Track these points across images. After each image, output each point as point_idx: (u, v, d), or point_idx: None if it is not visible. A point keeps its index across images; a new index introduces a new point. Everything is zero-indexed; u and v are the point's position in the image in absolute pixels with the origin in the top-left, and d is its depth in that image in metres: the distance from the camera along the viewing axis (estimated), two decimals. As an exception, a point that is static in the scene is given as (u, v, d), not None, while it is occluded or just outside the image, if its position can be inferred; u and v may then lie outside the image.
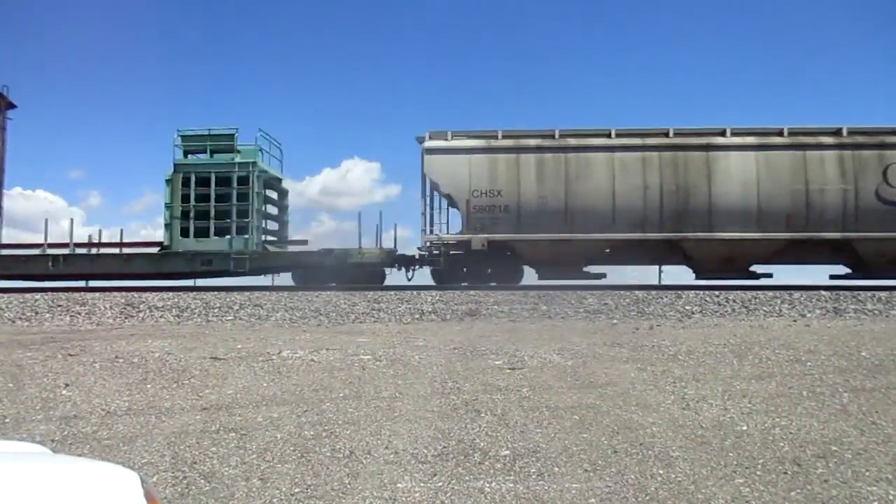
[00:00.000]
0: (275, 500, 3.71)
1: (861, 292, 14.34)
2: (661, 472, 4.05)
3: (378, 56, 68.79)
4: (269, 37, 68.60)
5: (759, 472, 4.02)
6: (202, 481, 3.96)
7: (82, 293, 14.53)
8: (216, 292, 14.49)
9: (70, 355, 7.56)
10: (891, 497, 3.65)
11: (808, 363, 7.07)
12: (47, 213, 49.96)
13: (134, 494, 1.75)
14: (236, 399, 5.72)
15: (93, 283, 18.05)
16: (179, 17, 67.14)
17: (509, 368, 6.87)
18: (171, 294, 13.89)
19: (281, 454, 4.40)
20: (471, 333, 9.60)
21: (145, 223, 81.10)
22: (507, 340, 8.75)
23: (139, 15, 64.72)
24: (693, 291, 14.63)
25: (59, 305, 12.89)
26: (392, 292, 14.53)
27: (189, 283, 18.88)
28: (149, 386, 6.19)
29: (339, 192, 71.29)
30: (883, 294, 14.04)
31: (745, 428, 4.85)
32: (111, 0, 63.73)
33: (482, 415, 5.22)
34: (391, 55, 68.05)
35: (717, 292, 14.51)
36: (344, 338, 9.11)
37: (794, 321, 11.15)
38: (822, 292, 14.52)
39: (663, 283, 19.16)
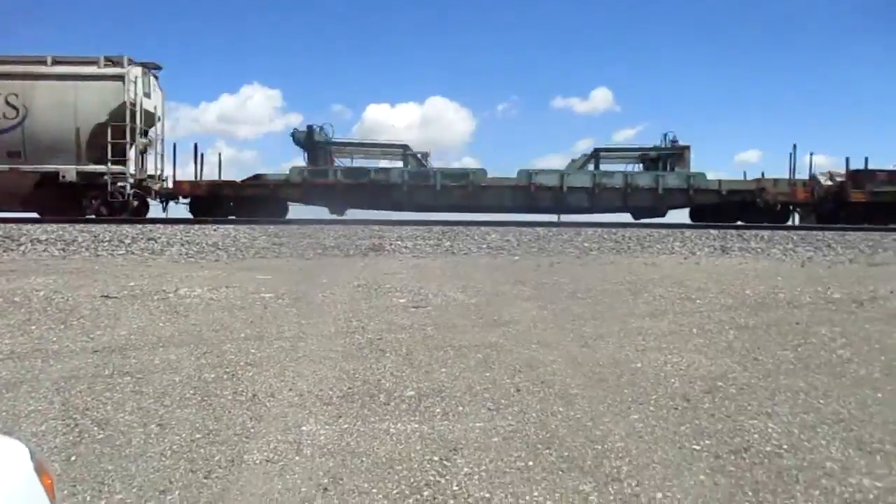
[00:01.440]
0: (174, 446, 3.61)
1: (745, 231, 15.21)
2: (561, 409, 4.19)
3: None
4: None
5: (651, 408, 4.23)
6: (95, 429, 3.80)
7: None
8: (106, 224, 13.79)
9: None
10: (769, 429, 3.92)
11: (698, 301, 7.45)
12: None
13: (22, 469, 1.58)
14: (130, 341, 5.49)
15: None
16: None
17: (413, 307, 6.89)
18: (55, 226, 13.10)
19: (180, 398, 4.27)
20: (375, 270, 9.56)
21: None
22: (410, 277, 8.78)
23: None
24: (591, 229, 15.08)
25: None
26: (294, 226, 14.25)
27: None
28: (33, 327, 5.85)
29: (237, 120, 68.63)
30: (765, 233, 14.92)
31: (639, 365, 5.08)
32: None
33: (387, 354, 5.23)
34: (292, -24, 65.08)
35: (613, 229, 15.02)
36: (244, 275, 8.87)
37: (685, 259, 11.69)
38: (711, 231, 15.28)
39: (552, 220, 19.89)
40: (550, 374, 4.83)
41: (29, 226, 13.27)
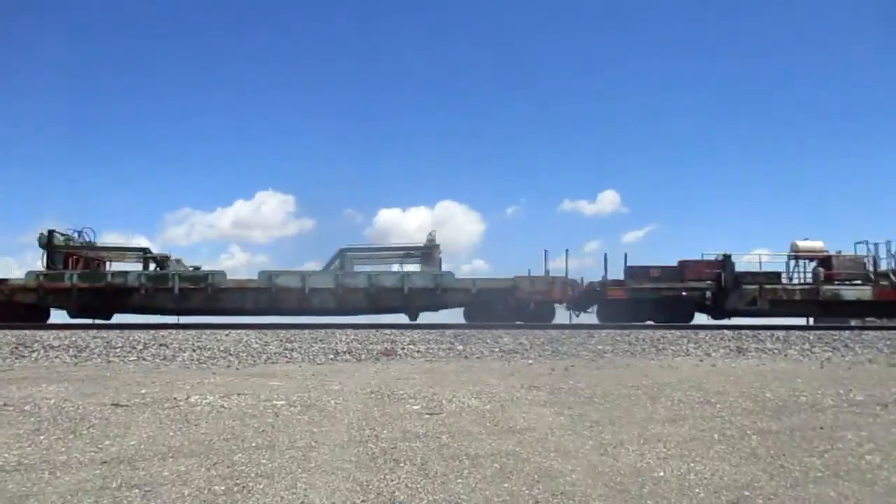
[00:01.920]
0: (182, 564, 3.48)
1: (761, 332, 15.07)
2: (582, 522, 4.04)
3: (298, 89, 68.41)
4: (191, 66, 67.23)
5: (677, 521, 4.07)
6: (101, 546, 3.68)
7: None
8: (118, 330, 13.82)
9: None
10: (802, 543, 3.75)
11: (718, 405, 7.30)
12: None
13: None
14: (140, 451, 5.39)
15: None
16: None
17: (428, 413, 6.77)
18: (68, 332, 13.15)
19: (189, 512, 4.15)
20: (387, 375, 9.46)
21: None
22: (424, 383, 8.67)
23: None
24: (605, 331, 14.98)
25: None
26: (306, 331, 14.22)
27: (87, 320, 18.09)
28: (42, 437, 5.76)
29: (251, 225, 69.86)
30: (781, 333, 14.77)
31: (661, 474, 4.92)
32: None
33: (401, 464, 5.10)
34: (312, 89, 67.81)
35: (627, 331, 14.91)
36: (256, 381, 8.80)
37: (701, 360, 11.54)
38: (725, 331, 15.15)
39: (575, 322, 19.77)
40: (570, 485, 4.68)
41: (42, 332, 13.32)
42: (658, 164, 71.33)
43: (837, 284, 20.67)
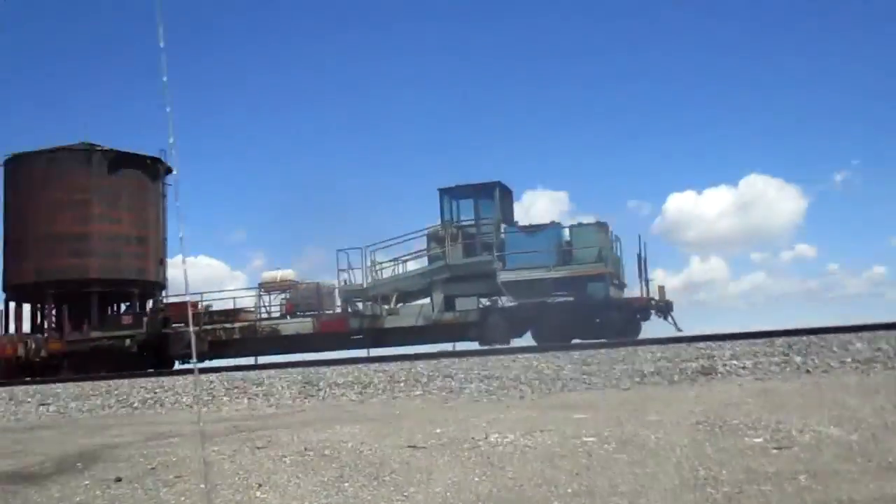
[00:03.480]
0: None
1: None
2: None
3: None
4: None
5: None
6: None
7: (257, 371, 15.57)
8: (400, 362, 14.94)
9: (258, 448, 8.01)
10: None
11: None
12: (209, 280, 54.42)
13: None
14: (447, 499, 5.73)
15: (264, 360, 19.54)
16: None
17: (775, 448, 6.39)
18: (350, 367, 14.50)
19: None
20: (712, 400, 9.12)
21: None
22: (761, 408, 8.21)
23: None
24: None
25: (236, 387, 13.86)
26: (603, 350, 14.25)
27: (363, 352, 19.92)
28: (346, 484, 6.37)
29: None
30: None
31: None
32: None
33: (753, 514, 4.85)
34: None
35: None
36: (557, 414, 8.96)
37: None
38: None
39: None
40: None
41: (325, 369, 14.83)
42: None
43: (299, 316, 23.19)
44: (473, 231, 22.38)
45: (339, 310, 23.56)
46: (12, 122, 73.27)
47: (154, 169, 35.73)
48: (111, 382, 16.44)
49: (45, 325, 31.52)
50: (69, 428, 11.18)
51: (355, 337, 22.55)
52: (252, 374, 15.21)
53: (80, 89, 76.66)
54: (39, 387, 16.57)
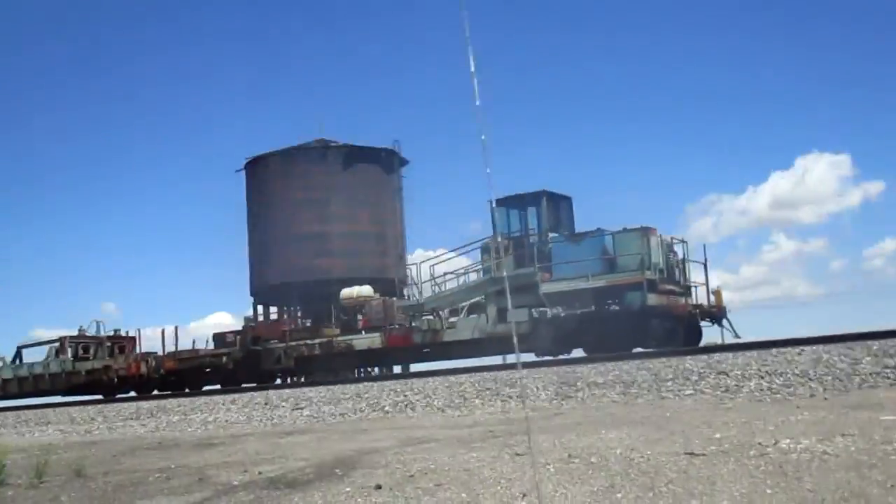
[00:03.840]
0: None
1: None
2: None
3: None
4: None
5: None
6: None
7: (508, 371, 15.93)
8: (666, 358, 14.70)
9: (517, 454, 8.17)
10: None
11: None
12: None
13: None
14: (739, 514, 5.57)
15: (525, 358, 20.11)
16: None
17: None
18: (610, 365, 14.46)
19: None
20: None
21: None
22: None
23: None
24: None
25: (488, 389, 14.28)
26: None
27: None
28: (619, 495, 6.28)
29: (795, 202, 68.07)
30: None
31: None
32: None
33: None
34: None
35: None
36: (858, 415, 8.26)
37: None
38: None
39: None
40: None
41: (582, 367, 14.90)
42: None
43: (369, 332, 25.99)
44: (525, 242, 23.59)
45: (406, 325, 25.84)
46: (253, 125, 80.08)
47: (389, 161, 37.35)
48: (360, 386, 17.44)
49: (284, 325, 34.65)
50: (325, 433, 11.99)
51: (425, 350, 25.14)
52: (503, 374, 15.52)
53: (314, 86, 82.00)
54: (292, 391, 17.99)
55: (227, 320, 28.93)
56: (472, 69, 4.97)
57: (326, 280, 33.58)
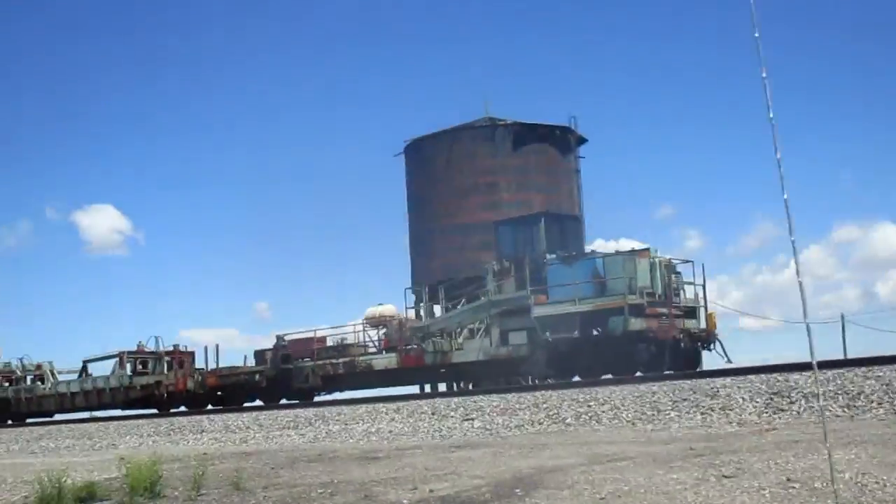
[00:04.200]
0: None
1: None
2: None
3: None
4: None
5: None
6: None
7: (710, 379, 15.41)
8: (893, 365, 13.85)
9: (725, 476, 7.79)
10: None
11: None
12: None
13: None
14: None
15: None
16: None
17: None
18: (830, 373, 13.71)
19: None
20: None
21: (762, 264, 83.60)
22: None
23: None
24: None
25: (685, 399, 13.82)
26: None
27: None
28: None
29: None
30: None
31: None
32: None
33: None
34: None
35: None
36: None
37: None
38: None
39: None
40: None
41: (796, 375, 14.16)
42: None
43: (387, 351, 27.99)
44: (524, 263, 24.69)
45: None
46: (412, 104, 79.84)
47: (564, 140, 35.25)
48: (538, 394, 17.09)
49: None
50: (499, 447, 11.77)
51: (441, 371, 27.11)
52: (702, 382, 14.76)
53: (478, 58, 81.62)
54: (461, 400, 17.85)
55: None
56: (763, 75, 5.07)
57: (496, 275, 33.35)
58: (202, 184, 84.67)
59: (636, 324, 21.99)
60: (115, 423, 24.67)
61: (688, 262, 25.08)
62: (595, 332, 23.31)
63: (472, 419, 15.24)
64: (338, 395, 27.56)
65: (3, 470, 14.22)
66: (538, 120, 35.93)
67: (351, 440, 15.19)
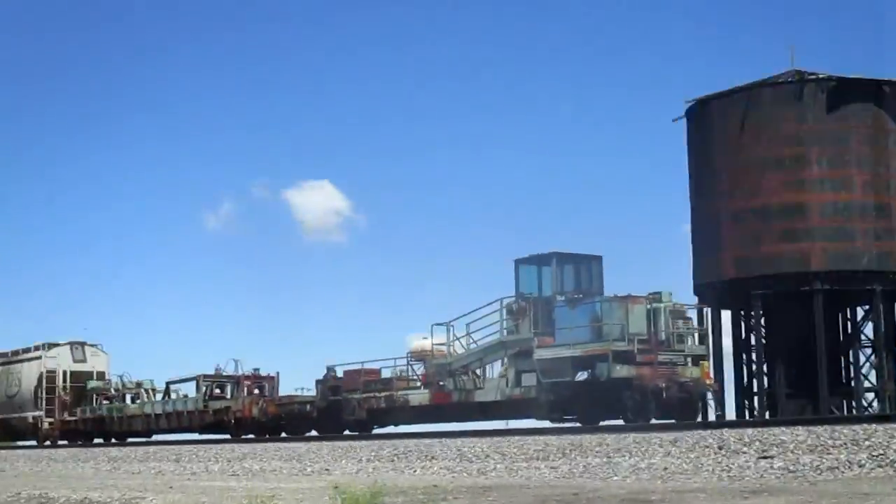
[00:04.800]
0: None
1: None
2: None
3: None
4: None
5: None
6: None
7: None
8: None
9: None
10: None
11: None
12: None
13: None
14: None
15: None
16: None
17: None
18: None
19: None
20: None
21: None
22: None
23: None
24: None
25: None
26: None
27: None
28: None
29: None
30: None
31: None
32: None
33: None
34: None
35: None
36: None
37: None
38: None
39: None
40: None
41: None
42: None
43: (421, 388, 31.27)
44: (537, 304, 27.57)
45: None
46: (697, 59, 78.38)
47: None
48: (857, 428, 15.76)
49: (752, 342, 34.16)
50: (807, 494, 10.61)
51: (469, 409, 29.63)
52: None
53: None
54: (757, 432, 16.59)
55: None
56: None
57: (802, 274, 31.88)
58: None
59: (622, 370, 24.97)
60: (329, 443, 24.05)
61: (700, 307, 28.84)
62: (584, 377, 26.45)
63: (771, 457, 13.98)
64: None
65: (200, 493, 14.28)
66: (860, 74, 33.23)
67: (616, 477, 14.37)
